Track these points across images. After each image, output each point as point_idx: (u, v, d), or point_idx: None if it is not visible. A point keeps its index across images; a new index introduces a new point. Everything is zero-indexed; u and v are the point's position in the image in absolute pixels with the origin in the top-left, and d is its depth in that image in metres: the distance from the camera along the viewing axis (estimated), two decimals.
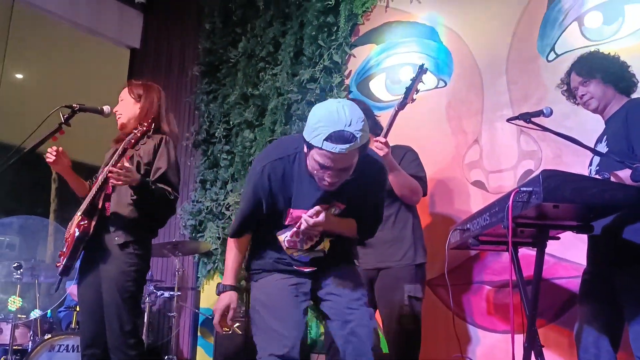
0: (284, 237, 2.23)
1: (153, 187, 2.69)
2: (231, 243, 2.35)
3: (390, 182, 2.78)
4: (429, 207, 3.68)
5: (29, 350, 3.98)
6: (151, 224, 2.84)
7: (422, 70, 2.95)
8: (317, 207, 2.08)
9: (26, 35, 6.73)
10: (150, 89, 2.96)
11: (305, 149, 2.00)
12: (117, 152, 2.62)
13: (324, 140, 1.86)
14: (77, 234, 2.65)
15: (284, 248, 2.24)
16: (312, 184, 2.09)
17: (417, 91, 2.93)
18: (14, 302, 4.06)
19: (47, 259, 5.64)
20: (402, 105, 2.89)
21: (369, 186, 2.19)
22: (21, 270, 4.07)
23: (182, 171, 5.55)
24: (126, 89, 2.96)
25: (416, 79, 2.92)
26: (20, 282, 4.10)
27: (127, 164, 2.58)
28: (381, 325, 2.97)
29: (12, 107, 7.40)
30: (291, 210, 2.16)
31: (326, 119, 1.88)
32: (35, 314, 4.40)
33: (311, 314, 4.11)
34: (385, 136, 2.84)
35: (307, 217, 2.06)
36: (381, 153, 2.72)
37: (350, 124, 1.85)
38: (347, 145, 1.85)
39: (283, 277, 2.26)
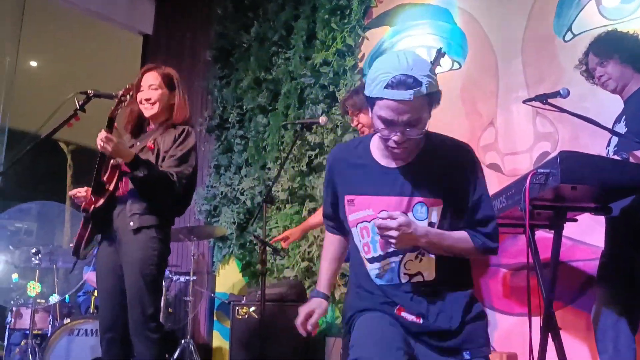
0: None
1: (148, 166, 2.63)
2: (324, 247, 2.14)
3: None
4: None
5: (49, 334, 4.04)
6: (166, 209, 2.82)
7: (439, 54, 2.93)
8: (397, 213, 1.69)
9: (39, 23, 6.75)
10: (179, 79, 2.94)
11: (370, 112, 1.74)
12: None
13: (384, 88, 1.61)
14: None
15: (368, 265, 1.84)
16: (382, 169, 1.81)
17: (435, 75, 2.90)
18: (33, 288, 4.11)
19: (64, 244, 5.69)
20: None
21: (462, 173, 1.77)
22: (39, 255, 4.12)
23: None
24: (154, 73, 2.89)
25: (434, 64, 2.90)
26: (39, 268, 4.15)
27: (107, 134, 2.52)
28: None
29: (28, 95, 7.44)
30: (349, 197, 1.84)
31: (385, 66, 1.64)
32: (54, 298, 4.46)
33: None
34: None
35: (380, 218, 1.69)
36: None
37: (413, 69, 1.61)
38: (411, 91, 1.59)
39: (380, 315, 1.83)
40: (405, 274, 1.78)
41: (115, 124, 2.61)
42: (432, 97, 1.67)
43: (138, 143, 2.85)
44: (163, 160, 2.76)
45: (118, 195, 2.76)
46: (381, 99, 1.63)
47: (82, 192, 2.75)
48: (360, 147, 1.90)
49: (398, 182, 1.77)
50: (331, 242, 2.11)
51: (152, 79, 2.87)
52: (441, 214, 1.75)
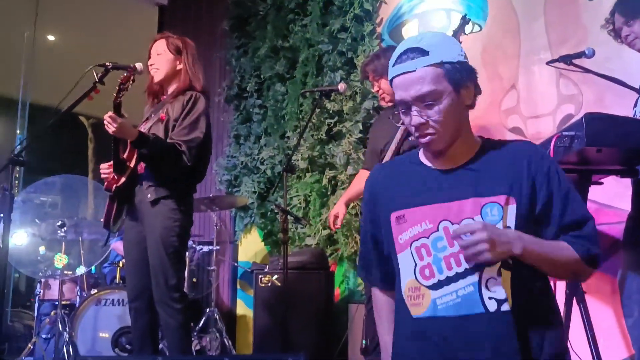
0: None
1: (153, 142, 2.65)
2: (376, 312, 1.73)
3: None
4: None
5: (77, 304, 4.14)
6: (182, 179, 2.84)
7: (464, 21, 2.86)
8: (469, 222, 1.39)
9: None
10: (187, 44, 2.94)
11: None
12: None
13: (392, 67, 1.47)
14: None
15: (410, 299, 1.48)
16: (433, 172, 1.53)
17: (460, 43, 2.84)
18: (60, 260, 4.19)
19: (88, 216, 5.79)
20: None
21: (532, 165, 1.45)
22: (65, 228, 4.19)
23: (215, 127, 5.62)
24: (163, 42, 2.92)
25: (458, 32, 2.83)
26: (64, 240, 4.23)
27: (111, 114, 2.57)
28: None
29: (47, 69, 7.49)
30: (397, 213, 1.52)
31: (398, 47, 1.49)
32: (81, 270, 4.54)
33: (348, 265, 4.16)
34: None
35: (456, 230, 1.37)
36: None
37: (421, 40, 1.44)
38: (415, 60, 1.41)
39: None
40: (490, 298, 1.38)
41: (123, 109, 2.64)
42: (451, 69, 1.42)
43: (153, 115, 2.86)
44: (173, 128, 2.77)
45: (140, 171, 2.79)
46: (392, 80, 1.49)
47: (106, 170, 2.80)
48: (406, 158, 1.65)
49: (457, 184, 1.47)
50: (384, 303, 1.68)
51: (158, 46, 2.92)
52: (517, 215, 1.42)
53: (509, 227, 1.41)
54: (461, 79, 1.44)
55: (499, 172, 1.46)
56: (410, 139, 2.84)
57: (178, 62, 2.89)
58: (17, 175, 6.02)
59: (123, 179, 2.75)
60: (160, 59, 2.90)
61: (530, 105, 3.46)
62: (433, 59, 1.41)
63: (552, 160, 1.51)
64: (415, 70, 1.42)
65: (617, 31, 2.54)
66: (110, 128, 2.56)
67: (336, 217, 3.26)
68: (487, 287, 1.37)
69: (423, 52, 1.42)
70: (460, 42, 2.73)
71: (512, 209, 1.42)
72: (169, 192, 2.76)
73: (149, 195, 2.74)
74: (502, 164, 1.47)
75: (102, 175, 2.82)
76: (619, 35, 2.54)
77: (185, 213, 2.80)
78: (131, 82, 2.63)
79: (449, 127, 1.45)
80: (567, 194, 1.45)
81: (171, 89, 2.89)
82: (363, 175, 3.39)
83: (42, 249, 4.84)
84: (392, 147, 2.97)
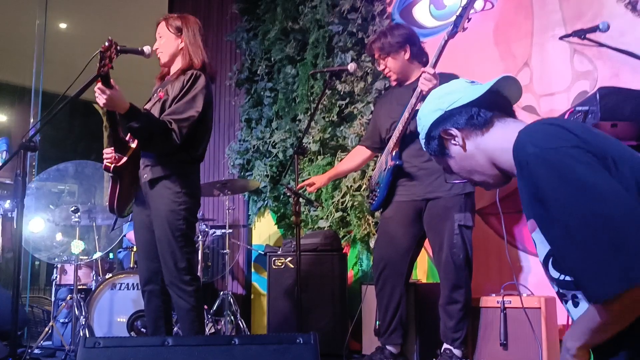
0: None
1: (142, 116, 2.60)
2: None
3: None
4: None
5: (93, 289, 4.18)
6: (182, 159, 2.78)
7: None
8: None
9: None
10: (188, 21, 2.91)
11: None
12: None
13: None
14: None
15: None
16: None
17: (469, 19, 2.80)
18: (77, 246, 4.22)
19: (104, 202, 5.82)
20: (452, 34, 2.76)
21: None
22: (78, 213, 4.21)
23: (226, 111, 5.63)
24: (163, 24, 2.91)
25: (467, 7, 2.78)
26: (78, 225, 4.26)
27: (100, 85, 2.49)
28: (431, 255, 2.97)
29: (61, 57, 7.51)
30: None
31: None
32: (97, 255, 4.59)
33: (361, 246, 4.15)
34: (434, 67, 2.76)
35: None
36: (430, 85, 2.64)
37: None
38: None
39: None
40: None
41: (112, 80, 2.53)
42: None
43: (155, 95, 2.84)
44: (171, 105, 2.74)
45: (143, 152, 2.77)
46: None
47: (108, 155, 2.75)
48: None
49: None
50: None
51: (160, 29, 2.91)
52: None
53: None
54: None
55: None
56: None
57: (180, 41, 2.87)
58: (34, 163, 6.09)
59: (124, 159, 2.70)
60: (163, 42, 2.89)
61: (543, 82, 3.40)
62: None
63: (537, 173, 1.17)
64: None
65: (633, 4, 2.48)
66: (101, 100, 2.51)
67: (313, 183, 3.31)
68: None
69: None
70: (470, 19, 2.73)
71: None
72: (167, 172, 2.72)
73: (145, 175, 2.73)
74: None
75: (105, 160, 2.77)
76: (636, 8, 2.48)
77: (190, 195, 2.76)
78: (114, 50, 2.49)
79: None
80: (567, 229, 1.10)
81: (174, 68, 2.88)
82: (357, 151, 3.38)
83: (58, 235, 4.88)
84: (399, 126, 2.94)
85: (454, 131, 1.42)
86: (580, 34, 2.35)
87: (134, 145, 2.73)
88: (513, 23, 3.59)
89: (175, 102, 2.73)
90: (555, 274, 1.21)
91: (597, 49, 2.36)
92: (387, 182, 2.98)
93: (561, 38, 2.43)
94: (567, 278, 1.18)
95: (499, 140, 1.37)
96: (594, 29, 2.34)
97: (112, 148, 2.73)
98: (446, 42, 2.76)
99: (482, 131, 1.39)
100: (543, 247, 1.22)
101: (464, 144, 1.42)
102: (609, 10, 3.08)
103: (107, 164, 2.70)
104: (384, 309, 3.06)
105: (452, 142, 1.43)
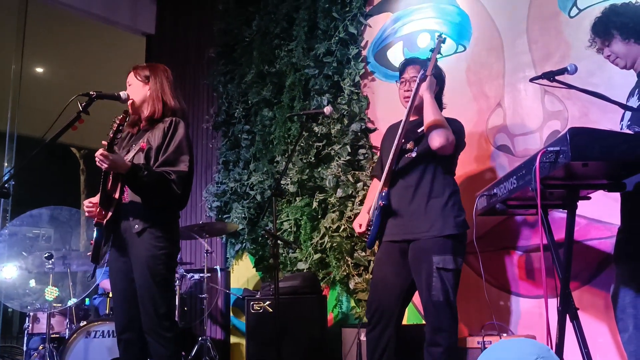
0: None
1: (145, 172, 2.64)
2: None
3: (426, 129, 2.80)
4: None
5: (66, 337, 4.06)
6: (167, 208, 2.82)
7: (440, 40, 2.90)
8: None
9: (42, 28, 6.78)
10: (155, 69, 2.95)
11: None
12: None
13: None
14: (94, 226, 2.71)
15: None
16: None
17: (437, 61, 2.89)
18: (51, 292, 4.13)
19: (81, 247, 5.73)
20: (423, 78, 2.85)
21: None
22: (52, 260, 4.14)
23: (204, 154, 5.63)
24: (132, 74, 2.95)
25: (435, 50, 2.87)
26: (52, 272, 4.18)
27: (102, 151, 2.54)
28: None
29: (36, 101, 7.49)
30: None
31: None
32: (72, 301, 4.48)
33: (341, 288, 4.12)
34: (411, 108, 2.83)
35: None
36: (104, 165, 2.64)
37: None
38: None
39: None
40: None
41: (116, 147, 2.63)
42: None
43: (134, 145, 2.84)
44: (156, 155, 2.76)
45: (124, 201, 2.77)
46: None
47: (90, 207, 2.77)
48: None
49: None
50: None
51: (129, 78, 2.96)
52: None
53: None
54: None
55: None
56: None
57: (148, 89, 2.90)
58: (7, 208, 5.98)
59: (111, 213, 2.72)
60: (132, 90, 2.92)
61: (517, 122, 3.47)
62: None
63: None
64: None
65: (599, 52, 2.56)
66: (103, 165, 2.56)
67: (360, 225, 3.21)
68: None
69: None
70: (437, 60, 2.81)
71: None
72: (155, 221, 2.73)
73: (136, 226, 2.71)
74: None
75: (86, 213, 2.78)
76: (602, 51, 2.56)
77: (170, 240, 2.77)
78: (127, 122, 2.63)
79: None
80: None
81: (147, 117, 2.89)
82: (374, 185, 3.35)
83: (32, 282, 4.77)
84: (387, 165, 2.95)
85: None
86: (550, 75, 2.40)
87: (117, 196, 2.72)
88: (485, 65, 3.68)
89: (162, 152, 2.75)
90: None
91: (567, 89, 2.41)
92: (377, 223, 2.98)
93: (531, 80, 2.48)
94: None
95: None
96: (562, 70, 2.39)
97: (91, 200, 2.76)
98: (418, 85, 2.82)
99: None
100: None
101: None
102: (577, 52, 3.18)
103: (99, 220, 2.71)
104: (371, 351, 3.00)
105: None
